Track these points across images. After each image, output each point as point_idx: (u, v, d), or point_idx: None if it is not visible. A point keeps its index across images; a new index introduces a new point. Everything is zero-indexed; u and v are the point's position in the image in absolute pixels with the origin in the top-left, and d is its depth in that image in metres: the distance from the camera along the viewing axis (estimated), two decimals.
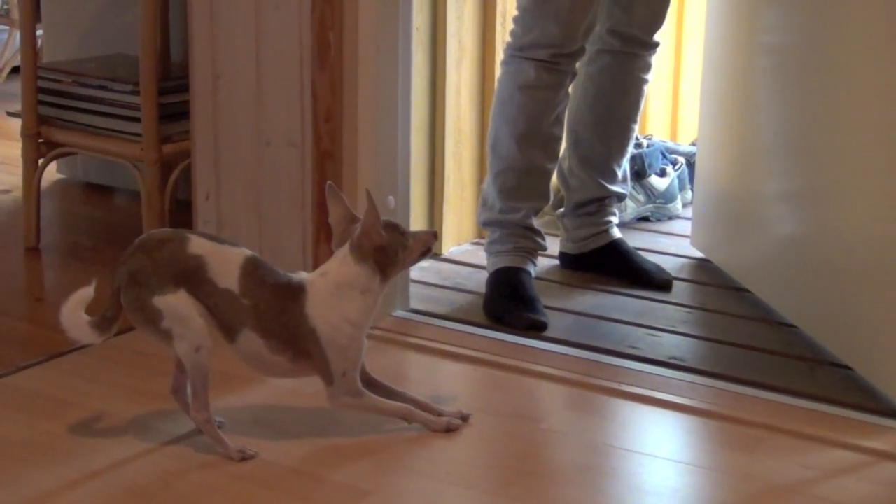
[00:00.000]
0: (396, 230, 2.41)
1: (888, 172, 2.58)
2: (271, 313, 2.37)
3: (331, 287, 2.38)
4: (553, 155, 3.13)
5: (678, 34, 4.19)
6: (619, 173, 3.34)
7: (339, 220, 2.42)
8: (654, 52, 3.26)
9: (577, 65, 3.07)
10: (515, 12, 3.05)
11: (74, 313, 2.35)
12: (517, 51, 3.04)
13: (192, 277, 2.34)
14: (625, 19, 3.17)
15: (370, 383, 2.48)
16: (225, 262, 2.36)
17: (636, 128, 3.34)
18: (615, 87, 3.25)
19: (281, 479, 2.32)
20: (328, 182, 2.46)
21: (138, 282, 2.34)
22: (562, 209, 3.39)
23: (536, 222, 3.17)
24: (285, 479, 2.32)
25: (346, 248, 2.39)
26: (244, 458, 2.37)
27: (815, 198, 2.89)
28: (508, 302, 3.03)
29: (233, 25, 3.02)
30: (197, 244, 2.36)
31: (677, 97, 4.25)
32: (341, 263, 2.39)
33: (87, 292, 2.36)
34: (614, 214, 3.37)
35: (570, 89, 3.09)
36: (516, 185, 3.11)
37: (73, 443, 2.43)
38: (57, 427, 2.49)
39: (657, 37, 3.24)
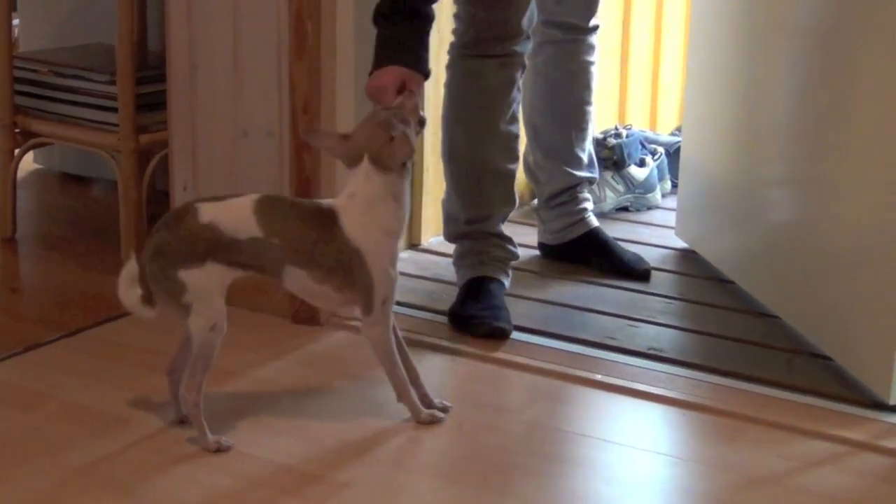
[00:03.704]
0: (397, 116, 2.38)
1: (876, 162, 2.57)
2: (308, 244, 2.35)
3: (362, 206, 2.36)
4: (513, 155, 3.04)
5: (657, 24, 4.19)
6: (584, 157, 3.30)
7: (334, 147, 2.43)
8: (595, 33, 3.23)
9: (526, 57, 2.99)
10: (454, 8, 2.97)
11: (129, 291, 2.35)
12: (463, 48, 2.96)
13: (214, 245, 2.32)
14: (558, 10, 3.14)
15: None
16: (236, 215, 2.34)
17: (592, 109, 3.30)
18: (563, 76, 3.22)
19: (260, 471, 2.31)
20: (303, 133, 2.43)
21: (164, 255, 2.32)
22: (535, 201, 3.37)
23: (506, 230, 3.08)
24: (264, 472, 2.31)
25: (366, 164, 2.37)
26: (220, 449, 2.36)
27: (800, 187, 2.88)
28: (471, 308, 2.93)
29: (210, 14, 3.01)
30: (205, 211, 2.34)
31: (656, 87, 4.25)
32: (366, 180, 2.37)
33: (131, 267, 2.35)
34: (588, 200, 3.34)
35: (520, 84, 3.00)
36: (479, 191, 3.02)
37: (50, 435, 2.42)
38: (34, 419, 2.48)
39: (597, 19, 3.22)
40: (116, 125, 3.29)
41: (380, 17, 2.59)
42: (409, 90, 2.46)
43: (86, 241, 3.48)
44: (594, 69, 3.27)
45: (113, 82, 3.29)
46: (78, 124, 3.40)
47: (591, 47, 3.24)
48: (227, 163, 3.06)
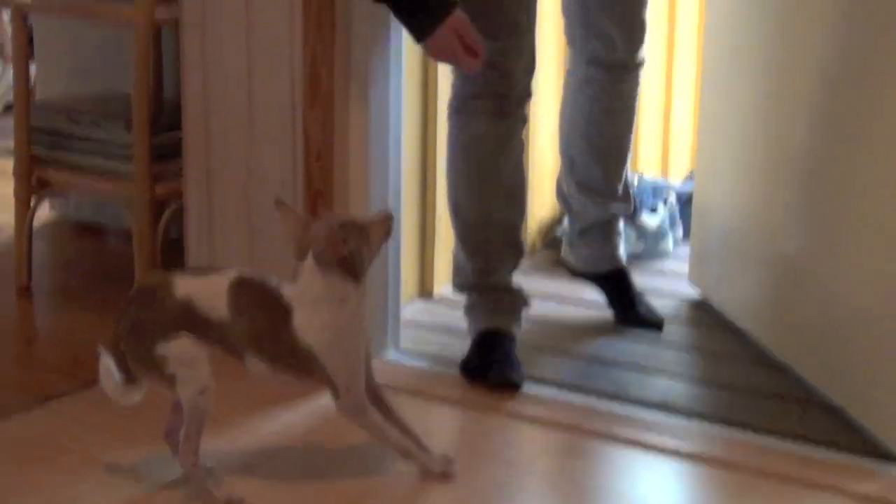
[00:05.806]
0: (354, 228, 2.36)
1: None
2: (266, 336, 2.36)
3: (308, 305, 2.35)
4: (520, 205, 3.01)
5: (668, 71, 4.20)
6: (621, 188, 3.21)
7: (293, 230, 2.39)
8: (640, 69, 3.12)
9: (526, 108, 2.95)
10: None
11: (110, 382, 2.35)
12: (461, 102, 2.94)
13: (188, 319, 2.34)
14: (601, 50, 3.05)
15: (375, 397, 2.44)
16: (211, 294, 2.35)
17: (632, 139, 3.22)
18: (606, 115, 3.13)
19: None
20: (274, 194, 2.41)
21: (139, 334, 2.34)
22: (565, 226, 3.33)
23: (515, 280, 3.04)
24: None
25: (311, 262, 2.36)
26: None
27: (816, 236, 2.87)
28: (483, 361, 2.92)
29: (224, 63, 3.03)
30: (182, 286, 2.36)
31: (667, 134, 4.25)
32: (310, 278, 2.36)
33: (106, 362, 2.35)
34: (619, 235, 3.28)
35: (522, 135, 2.97)
36: (487, 244, 2.98)
37: (63, 487, 2.42)
38: (48, 471, 2.48)
39: (643, 53, 3.10)
40: (132, 175, 3.30)
41: None
42: (388, 213, 2.43)
43: (101, 291, 3.48)
44: (637, 103, 3.17)
45: (129, 130, 3.29)
46: (94, 173, 3.40)
47: (636, 83, 3.12)
48: (241, 211, 3.07)
